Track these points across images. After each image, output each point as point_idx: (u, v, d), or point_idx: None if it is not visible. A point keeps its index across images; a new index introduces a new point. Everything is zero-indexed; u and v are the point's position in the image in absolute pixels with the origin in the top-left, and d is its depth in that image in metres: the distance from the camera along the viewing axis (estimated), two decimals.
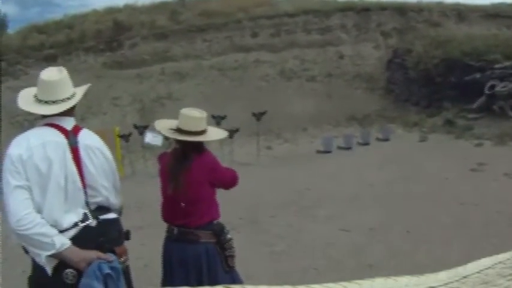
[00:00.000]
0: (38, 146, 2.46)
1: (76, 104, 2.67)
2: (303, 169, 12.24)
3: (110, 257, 2.45)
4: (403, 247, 6.03)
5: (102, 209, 2.63)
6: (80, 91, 2.72)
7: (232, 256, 3.44)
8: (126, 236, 2.84)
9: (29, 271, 2.56)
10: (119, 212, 2.91)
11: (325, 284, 1.25)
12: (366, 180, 10.06)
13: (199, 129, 3.36)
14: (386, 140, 15.93)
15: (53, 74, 2.62)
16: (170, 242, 3.42)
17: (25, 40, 21.21)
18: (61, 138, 2.54)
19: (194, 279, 3.24)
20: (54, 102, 2.56)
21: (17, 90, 2.79)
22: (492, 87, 15.21)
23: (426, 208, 7.71)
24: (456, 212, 7.37)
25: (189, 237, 3.33)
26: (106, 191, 2.64)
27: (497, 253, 1.40)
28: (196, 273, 3.28)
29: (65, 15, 23.32)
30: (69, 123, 2.63)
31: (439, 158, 11.89)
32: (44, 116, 2.61)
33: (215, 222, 3.44)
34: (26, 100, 2.63)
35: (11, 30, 26.78)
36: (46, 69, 2.69)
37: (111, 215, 2.67)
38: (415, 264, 5.20)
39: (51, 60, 19.36)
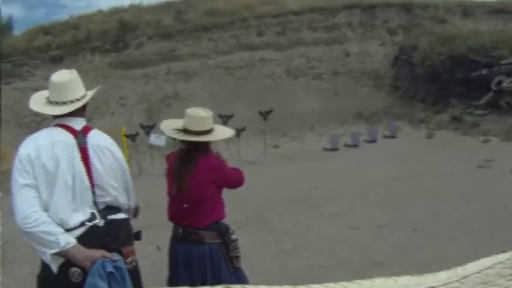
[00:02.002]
0: (46, 145, 2.50)
1: (86, 105, 2.71)
2: (310, 167, 12.23)
3: (115, 256, 2.46)
4: (411, 244, 6.03)
5: (111, 209, 2.63)
6: (91, 93, 2.76)
7: (238, 257, 3.42)
8: (137, 236, 2.83)
9: (36, 272, 2.59)
10: (134, 212, 2.93)
11: (326, 284, 1.26)
12: (373, 177, 10.03)
13: (205, 128, 3.34)
14: (393, 137, 15.87)
15: (63, 75, 2.67)
16: (175, 242, 3.43)
17: (31, 41, 21.31)
18: (70, 138, 2.57)
19: (199, 279, 3.24)
20: (64, 103, 2.60)
21: (24, 91, 2.84)
22: (499, 83, 15.11)
23: (433, 205, 7.69)
24: (463, 209, 7.35)
25: (193, 238, 3.33)
26: (115, 191, 2.64)
27: (504, 249, 1.40)
28: (201, 273, 3.28)
29: (70, 16, 23.44)
30: (79, 123, 2.66)
31: (446, 155, 11.85)
32: (55, 117, 2.65)
33: (220, 222, 3.42)
34: (37, 102, 2.69)
35: (17, 31, 26.99)
36: (58, 71, 2.74)
37: (120, 215, 2.68)
38: (423, 261, 5.19)
39: (57, 61, 19.49)
